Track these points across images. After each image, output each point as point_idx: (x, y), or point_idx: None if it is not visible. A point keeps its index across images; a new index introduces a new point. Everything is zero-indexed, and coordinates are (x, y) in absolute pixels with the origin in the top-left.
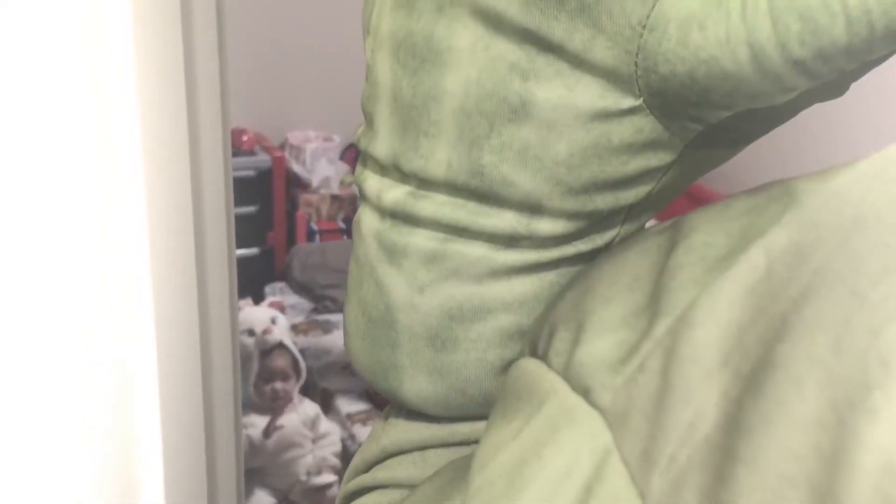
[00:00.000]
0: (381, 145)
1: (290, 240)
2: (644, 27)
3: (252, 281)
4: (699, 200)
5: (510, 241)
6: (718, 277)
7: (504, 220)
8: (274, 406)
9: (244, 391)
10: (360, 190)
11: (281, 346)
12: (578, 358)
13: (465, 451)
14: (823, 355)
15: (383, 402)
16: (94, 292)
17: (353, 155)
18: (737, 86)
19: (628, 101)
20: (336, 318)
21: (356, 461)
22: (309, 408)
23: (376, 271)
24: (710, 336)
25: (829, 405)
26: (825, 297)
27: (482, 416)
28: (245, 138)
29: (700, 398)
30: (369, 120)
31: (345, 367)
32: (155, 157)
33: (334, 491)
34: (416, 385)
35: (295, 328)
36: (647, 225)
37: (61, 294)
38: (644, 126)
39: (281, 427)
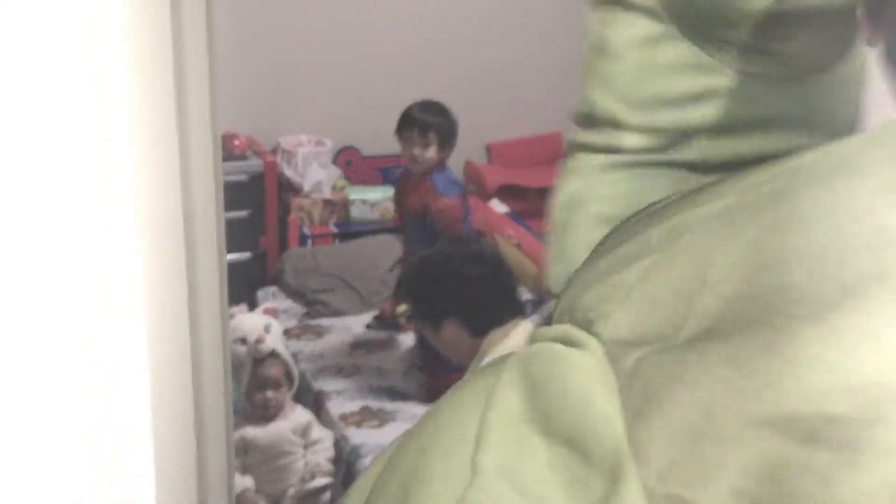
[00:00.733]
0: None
1: (283, 244)
2: None
3: (244, 285)
4: None
5: (608, 150)
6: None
7: (599, 135)
8: (265, 414)
9: (236, 399)
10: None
11: (273, 354)
12: (582, 303)
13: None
14: (800, 283)
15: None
16: (93, 293)
17: (345, 159)
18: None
19: (663, 27)
20: (328, 322)
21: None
22: (301, 415)
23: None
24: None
25: (773, 331)
26: (804, 232)
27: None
28: (237, 143)
29: (675, 310)
30: None
31: (338, 371)
32: (145, 161)
33: (327, 496)
34: (553, 271)
35: (287, 332)
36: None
37: (58, 294)
38: (683, 49)
39: None
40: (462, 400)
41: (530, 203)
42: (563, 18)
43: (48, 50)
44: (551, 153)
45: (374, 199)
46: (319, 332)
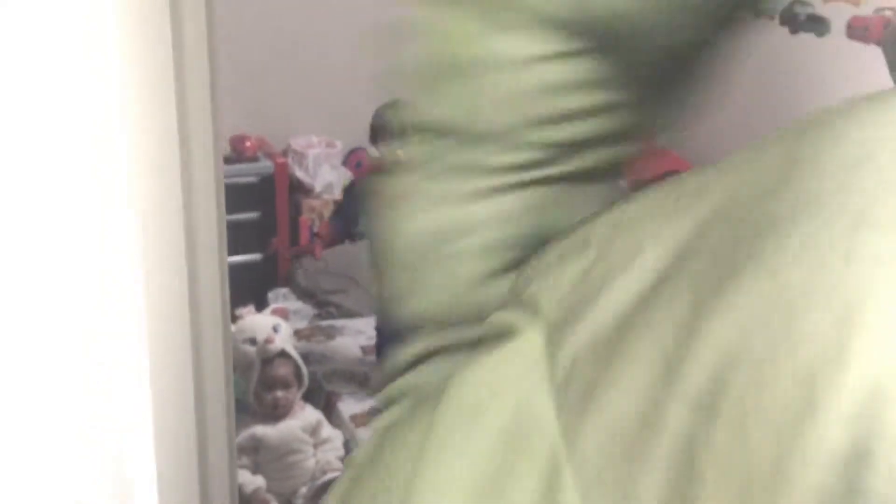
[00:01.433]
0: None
1: (294, 246)
2: None
3: (255, 287)
4: None
5: (485, 170)
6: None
7: (477, 153)
8: (275, 414)
9: (244, 400)
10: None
11: (282, 354)
12: (531, 291)
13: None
14: (697, 269)
15: None
16: (94, 293)
17: (356, 160)
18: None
19: (561, 44)
20: (339, 323)
21: (379, 387)
22: (310, 414)
23: (379, 212)
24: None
25: (691, 305)
26: (713, 232)
27: (472, 324)
28: (248, 144)
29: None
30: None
31: (349, 372)
32: (145, 162)
33: None
34: (416, 304)
35: (298, 333)
36: None
37: (58, 295)
38: (589, 64)
39: None
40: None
41: None
42: None
43: (47, 52)
44: None
45: None
46: (330, 334)
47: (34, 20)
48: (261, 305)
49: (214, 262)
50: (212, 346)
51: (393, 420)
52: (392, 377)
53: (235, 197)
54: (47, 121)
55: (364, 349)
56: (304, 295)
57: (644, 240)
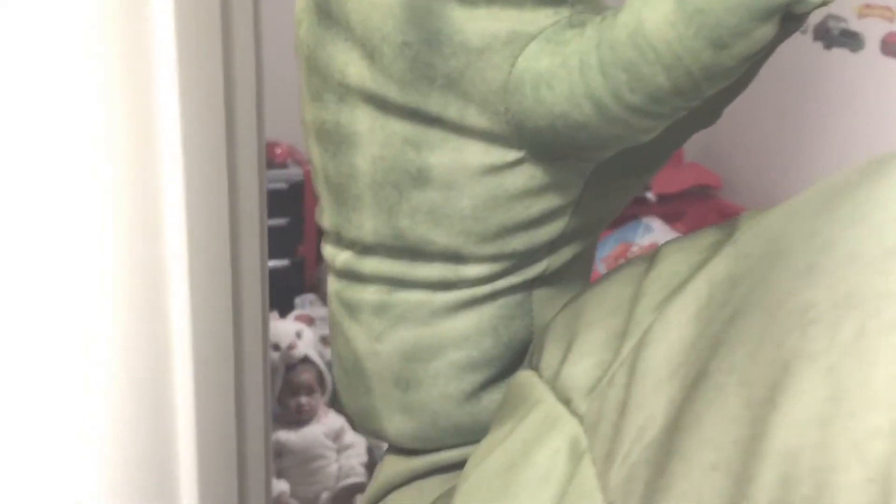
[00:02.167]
0: (327, 219)
1: (321, 252)
2: (505, 91)
3: (282, 292)
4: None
5: (444, 286)
6: (670, 303)
7: (434, 270)
8: (300, 419)
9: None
10: (325, 258)
11: (306, 360)
12: (565, 373)
13: (456, 477)
14: (742, 363)
15: None
16: (140, 295)
17: None
18: (594, 133)
19: (513, 154)
20: None
21: (363, 499)
22: (333, 420)
23: (342, 326)
24: (661, 353)
25: (745, 404)
26: (747, 318)
27: (460, 445)
28: (278, 151)
29: (651, 406)
30: (317, 197)
31: None
32: (194, 167)
33: (363, 489)
34: (394, 424)
35: (325, 339)
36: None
37: (106, 298)
38: (535, 173)
39: None
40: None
41: None
42: None
43: (98, 56)
44: None
45: None
46: None
47: (79, 31)
48: (287, 311)
49: (256, 268)
50: (252, 350)
51: None
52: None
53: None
54: (99, 124)
55: None
56: None
57: (667, 326)
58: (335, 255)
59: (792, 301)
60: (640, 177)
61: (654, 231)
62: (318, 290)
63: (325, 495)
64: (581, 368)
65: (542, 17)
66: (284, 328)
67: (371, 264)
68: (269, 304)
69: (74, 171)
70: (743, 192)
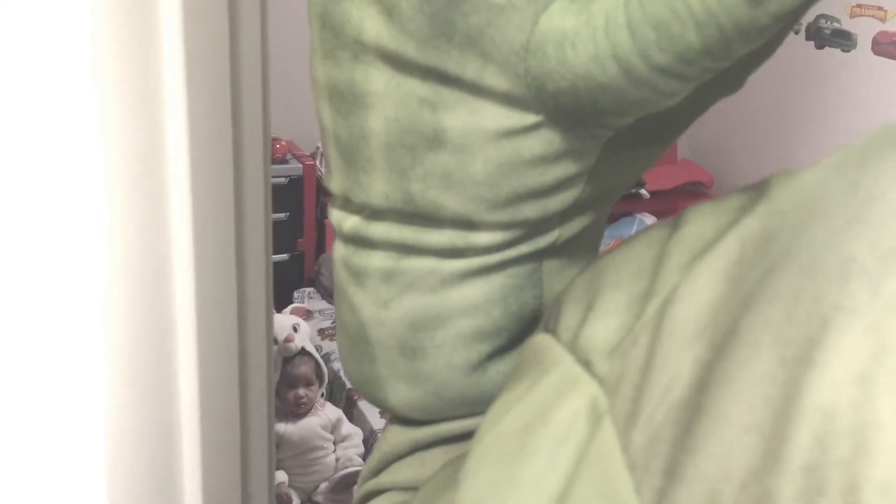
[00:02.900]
0: (335, 182)
1: (320, 246)
2: (526, 51)
3: (281, 286)
4: None
5: (454, 253)
6: (699, 262)
7: (444, 236)
8: (298, 411)
9: None
10: (332, 224)
11: (303, 352)
12: (584, 334)
13: (459, 448)
14: (777, 321)
15: None
16: (144, 290)
17: None
18: (618, 96)
19: (531, 118)
20: None
21: (364, 470)
22: (330, 411)
23: (347, 293)
24: (688, 313)
25: (779, 362)
26: (782, 274)
27: (464, 416)
28: (278, 146)
29: (677, 365)
30: (326, 161)
31: None
32: (200, 163)
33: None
34: (397, 394)
35: (322, 332)
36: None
37: (107, 292)
38: (552, 138)
39: None
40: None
41: None
42: None
43: (103, 53)
44: None
45: None
46: None
47: (95, 23)
48: (286, 304)
49: (261, 263)
50: (256, 343)
51: None
52: (376, 471)
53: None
54: (105, 120)
55: None
56: (328, 295)
57: (695, 285)
58: (343, 220)
59: (831, 255)
60: (656, 146)
61: None
62: (317, 283)
63: (323, 485)
64: (601, 329)
65: None
66: (281, 321)
67: (380, 229)
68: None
69: (80, 166)
70: (734, 189)
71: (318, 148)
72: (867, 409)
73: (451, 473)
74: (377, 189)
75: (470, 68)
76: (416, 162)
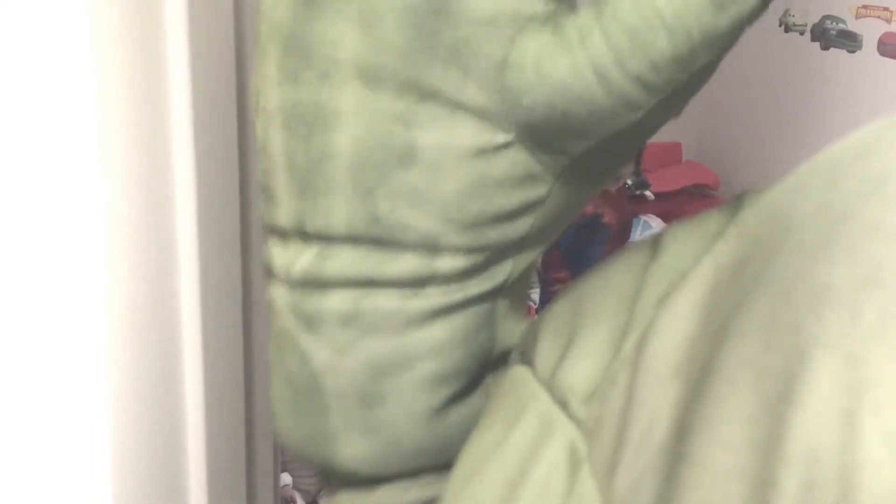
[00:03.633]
0: (284, 213)
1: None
2: (505, 65)
3: None
4: None
5: (417, 283)
6: (675, 293)
7: (407, 264)
8: None
9: None
10: (269, 268)
11: None
12: (562, 373)
13: None
14: (754, 355)
15: None
16: (143, 295)
17: None
18: (590, 107)
19: (501, 137)
20: None
21: None
22: None
23: (297, 342)
24: (664, 349)
25: (760, 400)
26: (756, 302)
27: (419, 471)
28: None
29: (655, 406)
30: (269, 194)
31: None
32: (205, 157)
33: None
34: (350, 447)
35: None
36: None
37: (109, 295)
38: (519, 159)
39: None
40: None
41: None
42: None
43: (109, 50)
44: None
45: None
46: None
47: (101, 24)
48: None
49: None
50: (261, 345)
51: None
52: None
53: None
54: (111, 118)
55: None
56: None
57: (671, 318)
58: (291, 261)
59: (806, 282)
60: (601, 180)
61: (653, 229)
62: None
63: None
64: (580, 369)
65: (542, 3)
66: None
67: (338, 263)
68: None
69: (81, 163)
70: (740, 191)
71: None
72: (852, 450)
73: None
74: (339, 212)
75: (450, 81)
76: (385, 180)
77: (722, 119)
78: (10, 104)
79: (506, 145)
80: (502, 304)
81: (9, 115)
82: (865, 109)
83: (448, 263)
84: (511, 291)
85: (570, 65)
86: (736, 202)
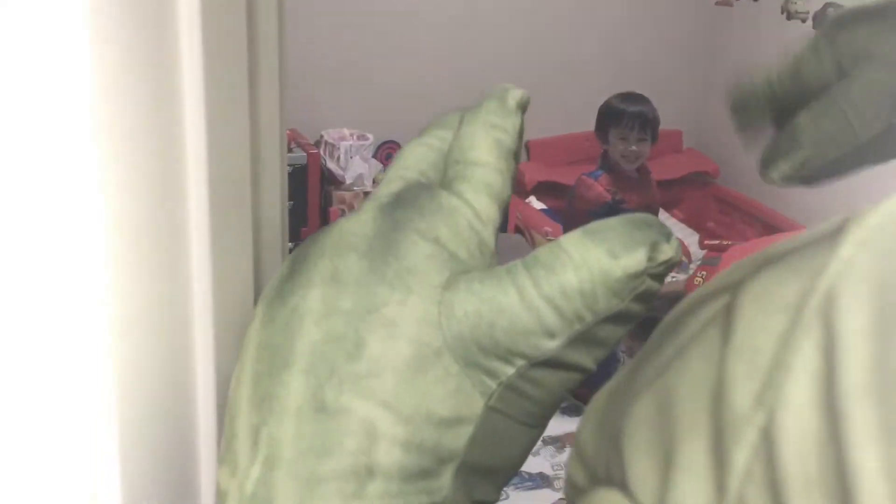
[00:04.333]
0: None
1: None
2: (445, 288)
3: None
4: (774, 229)
5: (358, 477)
6: (781, 392)
7: (351, 444)
8: None
9: None
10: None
11: None
12: (674, 499)
13: None
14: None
15: None
16: (162, 278)
17: (386, 153)
18: (513, 320)
19: (438, 341)
20: None
21: None
22: None
23: None
24: (793, 454)
25: None
26: None
27: None
28: None
29: None
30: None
31: None
32: (218, 151)
33: None
34: None
35: None
36: None
37: (119, 292)
38: (450, 369)
39: None
40: None
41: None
42: (607, 17)
43: (123, 48)
44: (590, 151)
45: None
46: None
47: (100, 21)
48: None
49: (277, 250)
50: None
51: None
52: None
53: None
54: (123, 115)
55: None
56: None
57: (788, 421)
58: (242, 482)
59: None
60: (534, 427)
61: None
62: None
63: None
64: (693, 492)
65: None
66: None
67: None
68: None
69: (84, 159)
70: (739, 179)
71: (321, 136)
72: None
73: None
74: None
75: (395, 297)
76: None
77: (721, 107)
78: (13, 103)
79: (438, 350)
80: None
81: (11, 114)
82: None
83: (393, 455)
84: None
85: (496, 282)
86: (819, 263)
